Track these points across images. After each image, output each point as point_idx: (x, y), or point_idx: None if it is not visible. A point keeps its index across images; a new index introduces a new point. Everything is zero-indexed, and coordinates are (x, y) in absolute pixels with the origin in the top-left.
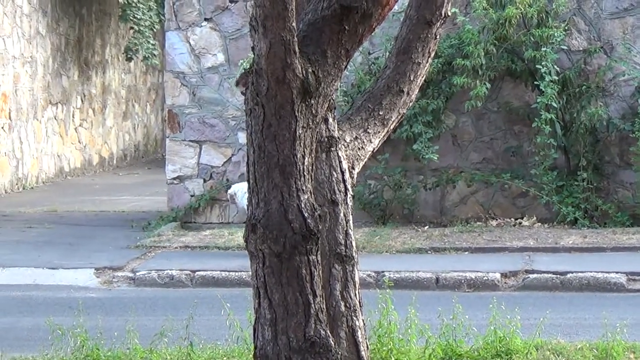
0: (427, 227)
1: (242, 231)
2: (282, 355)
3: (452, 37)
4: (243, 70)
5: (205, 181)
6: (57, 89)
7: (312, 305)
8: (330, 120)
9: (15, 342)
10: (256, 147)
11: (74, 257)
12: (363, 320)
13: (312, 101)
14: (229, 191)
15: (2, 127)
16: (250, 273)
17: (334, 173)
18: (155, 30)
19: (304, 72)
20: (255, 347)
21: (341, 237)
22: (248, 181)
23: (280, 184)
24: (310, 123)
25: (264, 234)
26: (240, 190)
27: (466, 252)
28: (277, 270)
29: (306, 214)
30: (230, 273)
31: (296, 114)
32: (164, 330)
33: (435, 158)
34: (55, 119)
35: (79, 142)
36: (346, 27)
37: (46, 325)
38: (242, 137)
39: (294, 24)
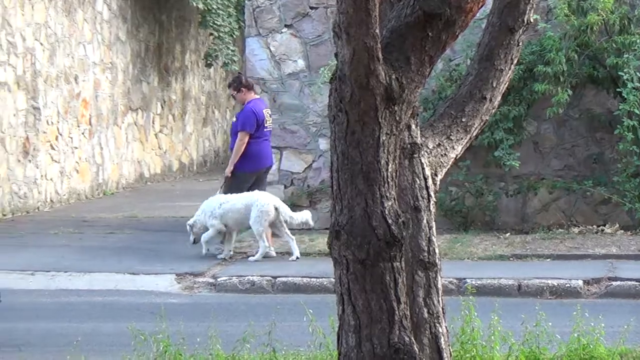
0: (508, 234)
1: (323, 238)
2: None
3: (534, 43)
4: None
5: (285, 187)
6: (137, 95)
7: (396, 311)
8: (413, 126)
9: (98, 347)
10: (340, 154)
11: (154, 263)
12: (446, 327)
13: (396, 108)
14: (188, 222)
15: (83, 133)
16: (332, 279)
17: (417, 180)
18: (234, 36)
19: (387, 78)
20: (340, 354)
21: (424, 243)
22: (332, 187)
23: (364, 190)
24: (394, 129)
25: (347, 241)
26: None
27: (548, 259)
28: (361, 276)
29: (390, 221)
30: (312, 279)
31: (380, 120)
32: (246, 336)
33: (517, 165)
34: (135, 124)
35: (159, 148)
36: (430, 33)
37: (128, 331)
38: (323, 144)
39: (377, 31)
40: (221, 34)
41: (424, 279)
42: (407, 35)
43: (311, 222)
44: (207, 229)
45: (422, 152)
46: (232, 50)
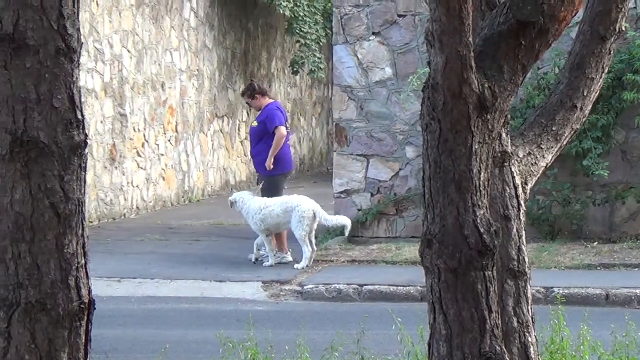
0: (595, 243)
1: (409, 246)
2: None
3: (622, 52)
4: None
5: (372, 195)
6: (223, 102)
7: (488, 320)
8: (504, 135)
9: (184, 354)
10: (432, 162)
11: (240, 270)
12: (535, 336)
13: (489, 116)
14: (230, 198)
15: (169, 140)
16: (418, 288)
17: (507, 188)
18: (321, 43)
19: (480, 87)
20: None
21: (514, 252)
22: (424, 196)
23: (456, 199)
24: (487, 138)
25: (439, 249)
26: (240, 199)
27: (636, 269)
28: (452, 285)
29: (482, 230)
30: (398, 287)
31: (472, 129)
32: (334, 344)
33: (606, 174)
34: (221, 132)
35: (245, 155)
36: (523, 42)
37: (214, 338)
38: (410, 152)
39: (470, 39)
40: (308, 42)
41: (513, 288)
42: (500, 43)
43: (347, 231)
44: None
45: (513, 161)
46: (319, 58)
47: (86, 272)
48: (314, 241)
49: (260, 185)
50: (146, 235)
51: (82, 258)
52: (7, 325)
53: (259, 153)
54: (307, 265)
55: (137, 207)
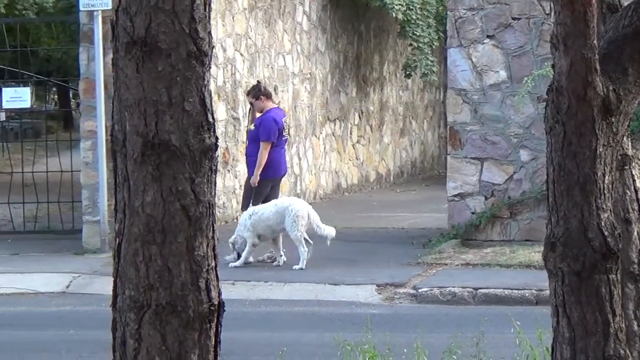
0: None
1: (524, 249)
2: None
3: None
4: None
5: (486, 198)
6: (335, 105)
7: (612, 324)
8: (624, 138)
9: (300, 357)
10: (556, 165)
11: (354, 273)
12: None
13: (613, 119)
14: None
15: None
16: (533, 291)
17: (628, 192)
18: (433, 46)
19: (605, 90)
20: None
21: (634, 255)
22: (547, 199)
23: (580, 202)
24: (611, 141)
25: (563, 252)
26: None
27: None
28: (576, 288)
29: (606, 233)
30: (513, 291)
31: (597, 132)
32: (452, 347)
33: None
34: (333, 135)
35: (357, 158)
36: None
37: (330, 341)
38: (524, 155)
39: (595, 42)
40: (420, 45)
41: (633, 292)
42: (625, 46)
43: (329, 241)
44: None
45: (633, 164)
46: (432, 61)
47: (216, 274)
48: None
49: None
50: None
51: (213, 260)
52: (138, 327)
53: (251, 154)
54: (304, 267)
55: None
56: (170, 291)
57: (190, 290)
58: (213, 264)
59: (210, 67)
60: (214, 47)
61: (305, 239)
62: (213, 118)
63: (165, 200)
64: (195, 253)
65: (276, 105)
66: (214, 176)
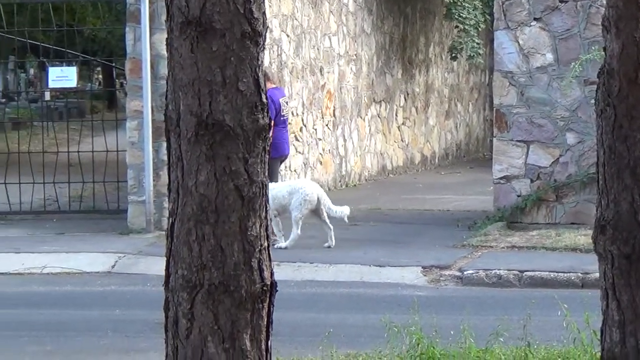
0: None
1: (570, 232)
2: (631, 357)
3: None
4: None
5: (532, 181)
6: (380, 87)
7: None
8: None
9: (345, 338)
10: (606, 148)
11: (400, 255)
12: None
13: None
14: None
15: (327, 125)
16: (579, 274)
17: None
18: (479, 29)
19: None
20: (603, 349)
21: None
22: (597, 182)
23: (630, 185)
24: None
25: (613, 235)
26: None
27: None
28: (625, 271)
29: None
30: (559, 274)
31: None
32: (500, 329)
33: None
34: (378, 117)
35: (402, 140)
36: None
37: (376, 323)
38: (571, 138)
39: None
40: (466, 27)
41: None
42: None
43: (346, 220)
44: None
45: None
46: (477, 43)
47: (269, 254)
48: (329, 222)
49: None
50: (304, 219)
51: (265, 240)
52: (191, 306)
53: None
54: (288, 246)
55: None
56: (223, 271)
57: (243, 270)
58: (265, 244)
59: (264, 48)
60: (268, 27)
61: (325, 221)
62: (267, 98)
63: (218, 180)
64: (248, 233)
65: (275, 86)
66: (267, 156)
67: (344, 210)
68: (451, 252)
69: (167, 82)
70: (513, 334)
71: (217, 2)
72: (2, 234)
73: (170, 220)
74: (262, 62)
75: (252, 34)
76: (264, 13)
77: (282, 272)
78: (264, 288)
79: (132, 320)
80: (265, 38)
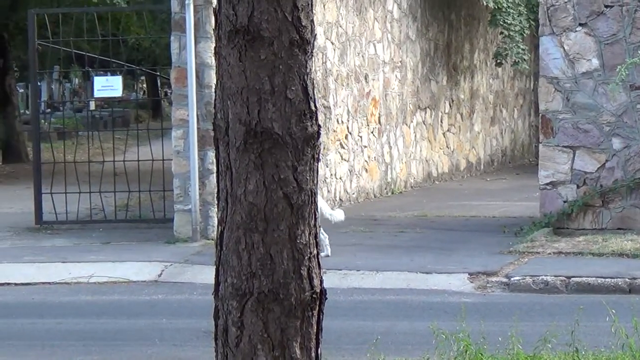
0: None
1: (616, 238)
2: None
3: None
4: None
5: (578, 187)
6: (426, 94)
7: None
8: None
9: (393, 345)
10: None
11: (446, 262)
12: None
13: None
14: None
15: (372, 132)
16: (627, 280)
17: None
18: (524, 35)
19: None
20: None
21: None
22: None
23: None
24: None
25: None
26: None
27: None
28: None
29: None
30: (606, 280)
31: None
32: (547, 336)
33: None
34: (423, 123)
35: (447, 147)
36: None
37: (423, 330)
38: (617, 143)
39: None
40: (511, 33)
41: None
42: None
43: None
44: None
45: None
46: (523, 49)
47: (318, 262)
48: (322, 231)
49: None
50: (350, 227)
51: (315, 248)
52: (240, 314)
53: None
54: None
55: (340, 199)
56: (273, 279)
57: (293, 278)
58: (315, 252)
59: (312, 56)
60: (316, 35)
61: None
62: (316, 106)
63: (267, 188)
64: (298, 241)
65: None
66: (316, 164)
67: (338, 216)
68: (498, 258)
69: (215, 91)
70: (561, 340)
71: (265, 10)
72: (48, 243)
73: (220, 229)
74: (310, 69)
75: (300, 41)
76: (312, 21)
77: (329, 280)
78: (314, 296)
79: (179, 328)
80: (313, 46)
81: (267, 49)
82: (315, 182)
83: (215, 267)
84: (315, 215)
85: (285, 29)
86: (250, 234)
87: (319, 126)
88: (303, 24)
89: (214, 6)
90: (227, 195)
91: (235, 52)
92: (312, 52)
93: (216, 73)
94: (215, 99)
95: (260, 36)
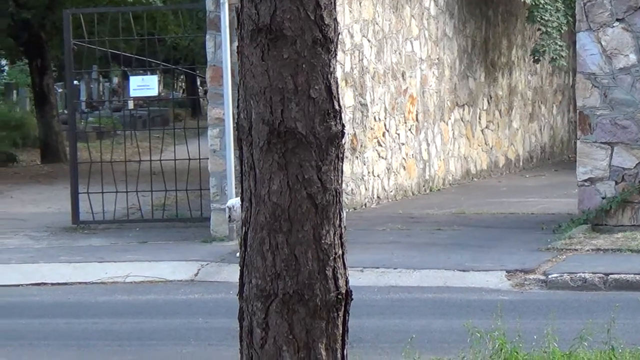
0: None
1: None
2: None
3: None
4: None
5: (616, 183)
6: (463, 90)
7: None
8: None
9: (429, 344)
10: None
11: (483, 260)
12: None
13: None
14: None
15: (410, 130)
16: None
17: None
18: (562, 31)
19: None
20: None
21: None
22: None
23: None
24: None
25: None
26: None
27: None
28: None
29: None
30: None
31: None
32: (584, 334)
33: None
34: (461, 120)
35: (485, 143)
36: None
37: (460, 328)
38: None
39: None
40: (549, 29)
41: None
42: None
43: None
44: None
45: None
46: (560, 46)
47: (343, 262)
48: None
49: None
50: (388, 224)
51: (340, 249)
52: (265, 316)
53: None
54: None
55: (378, 197)
56: (297, 280)
57: (318, 278)
58: (340, 252)
59: (336, 54)
60: (340, 33)
61: None
62: (339, 105)
63: (291, 188)
64: (322, 241)
65: None
66: (340, 164)
67: None
68: (535, 255)
69: (238, 91)
70: (597, 337)
71: (287, 9)
72: (85, 243)
73: (244, 230)
74: (334, 68)
75: (323, 40)
76: (335, 19)
77: (366, 278)
78: (339, 297)
79: (215, 328)
80: (337, 45)
81: (289, 48)
82: (340, 181)
83: (239, 268)
84: (340, 215)
85: (308, 27)
86: (274, 235)
87: (343, 125)
88: (326, 22)
89: (236, 5)
90: (251, 195)
91: (257, 51)
92: (335, 51)
93: (239, 73)
94: (238, 99)
95: (283, 35)
